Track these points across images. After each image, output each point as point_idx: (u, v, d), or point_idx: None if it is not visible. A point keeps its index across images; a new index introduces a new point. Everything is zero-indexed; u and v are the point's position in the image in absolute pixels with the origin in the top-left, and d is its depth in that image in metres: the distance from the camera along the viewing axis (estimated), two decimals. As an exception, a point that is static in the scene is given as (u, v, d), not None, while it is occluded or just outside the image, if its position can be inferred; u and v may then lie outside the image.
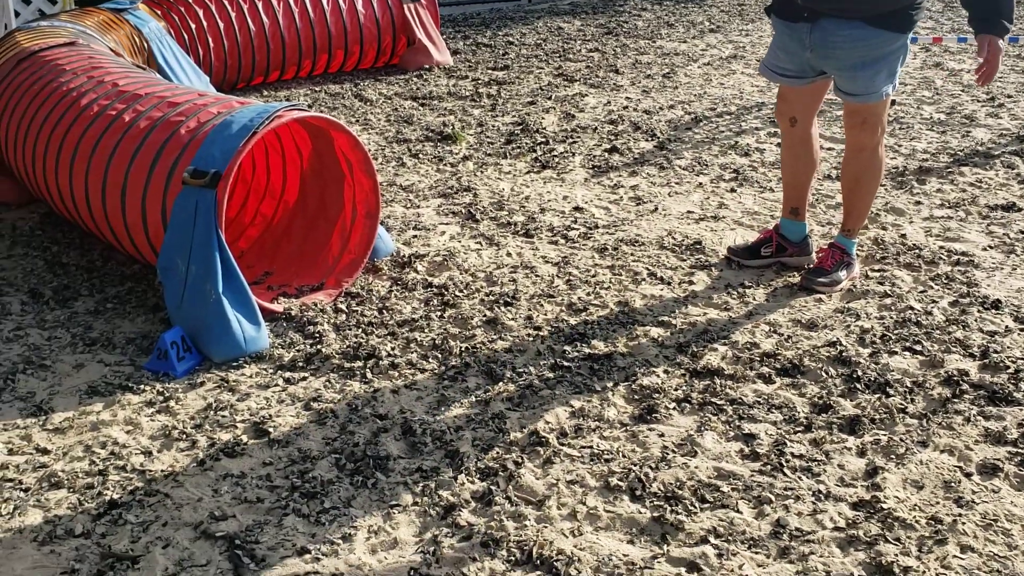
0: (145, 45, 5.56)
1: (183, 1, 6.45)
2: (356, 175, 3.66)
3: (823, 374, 3.01)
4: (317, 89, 6.78)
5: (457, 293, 3.60)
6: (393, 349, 3.19)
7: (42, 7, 6.89)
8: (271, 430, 2.73)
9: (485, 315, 3.43)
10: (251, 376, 3.04)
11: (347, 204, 3.74)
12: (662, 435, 2.71)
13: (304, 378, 3.03)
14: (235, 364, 3.10)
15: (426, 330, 3.32)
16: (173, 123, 3.39)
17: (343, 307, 3.49)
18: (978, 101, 6.21)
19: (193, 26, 6.36)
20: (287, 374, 3.05)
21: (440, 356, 3.15)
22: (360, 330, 3.32)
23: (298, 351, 3.18)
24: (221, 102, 3.51)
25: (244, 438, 2.71)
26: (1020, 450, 2.61)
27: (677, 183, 4.82)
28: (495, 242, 4.09)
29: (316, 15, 6.89)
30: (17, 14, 6.54)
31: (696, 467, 2.57)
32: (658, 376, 3.02)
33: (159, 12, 6.17)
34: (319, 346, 3.19)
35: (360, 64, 7.36)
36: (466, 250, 4.01)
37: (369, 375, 3.02)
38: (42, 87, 4.05)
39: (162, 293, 3.27)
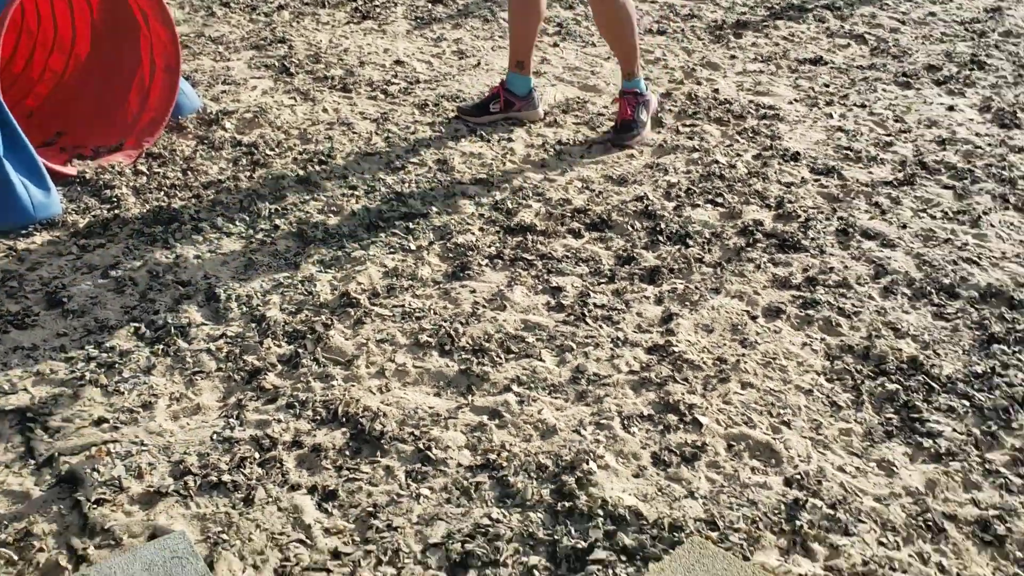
0: None
1: None
2: (152, 25, 3.40)
3: (629, 228, 3.11)
4: (117, -72, 6.18)
5: (268, 152, 3.47)
6: (198, 212, 3.06)
7: None
8: (65, 300, 2.60)
9: (298, 174, 3.33)
10: (42, 244, 2.87)
11: (144, 57, 3.48)
12: (474, 291, 2.76)
13: (101, 245, 2.88)
14: (24, 232, 2.91)
15: (234, 191, 3.21)
16: (-69, -36, 3.02)
17: (143, 169, 3.31)
18: (798, -45, 6.33)
19: None
20: (82, 241, 2.89)
21: (248, 219, 3.05)
22: (162, 193, 3.17)
23: (94, 216, 3.01)
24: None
25: (36, 309, 2.58)
26: (803, 293, 2.81)
27: (501, 36, 4.74)
28: (310, 97, 3.94)
29: None
30: None
31: (504, 320, 2.64)
32: (473, 234, 3.04)
33: None
34: (117, 211, 3.03)
35: (166, -99, 6.72)
36: (279, 106, 3.85)
37: (171, 240, 2.91)
38: None
39: (-65, 157, 2.99)
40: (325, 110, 3.84)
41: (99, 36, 3.62)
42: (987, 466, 2.19)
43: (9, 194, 2.87)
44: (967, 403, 2.36)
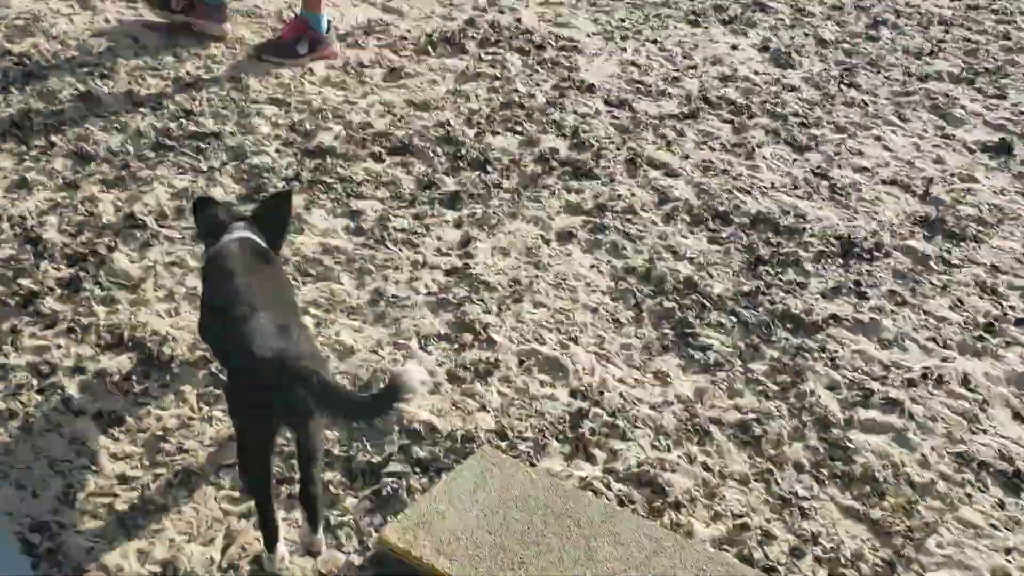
0: None
1: None
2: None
3: (431, 153, 3.13)
4: None
5: (43, 63, 3.21)
6: (-39, 126, 2.82)
7: None
8: None
9: (77, 88, 3.11)
10: None
11: None
12: (269, 214, 2.70)
13: None
14: None
15: (3, 104, 2.96)
16: None
17: None
18: None
19: None
20: None
21: (21, 134, 2.84)
22: (-82, 104, 2.89)
23: None
24: None
25: None
26: (592, 219, 2.95)
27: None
28: (90, 5, 3.66)
29: None
30: None
31: (302, 244, 2.61)
32: (269, 156, 2.97)
33: None
34: None
35: None
36: (55, 14, 3.56)
37: (-70, 155, 2.67)
38: None
39: None
40: (107, 20, 3.59)
41: None
42: (749, 375, 2.41)
43: None
44: (734, 319, 2.58)
